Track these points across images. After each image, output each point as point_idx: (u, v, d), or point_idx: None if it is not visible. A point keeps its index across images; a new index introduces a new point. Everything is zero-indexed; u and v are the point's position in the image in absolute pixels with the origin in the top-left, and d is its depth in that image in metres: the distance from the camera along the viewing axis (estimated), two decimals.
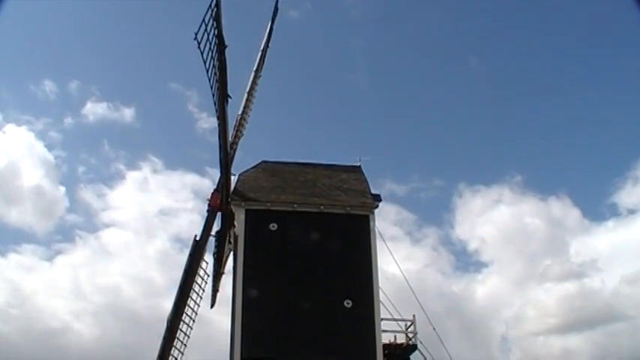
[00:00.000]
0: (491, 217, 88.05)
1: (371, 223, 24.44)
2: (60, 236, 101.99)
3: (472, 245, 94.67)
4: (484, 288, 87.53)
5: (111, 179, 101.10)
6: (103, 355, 72.24)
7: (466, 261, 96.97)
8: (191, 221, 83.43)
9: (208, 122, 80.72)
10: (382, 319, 23.67)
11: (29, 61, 78.02)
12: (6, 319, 69.47)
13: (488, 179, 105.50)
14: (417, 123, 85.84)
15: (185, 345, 24.54)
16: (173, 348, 24.09)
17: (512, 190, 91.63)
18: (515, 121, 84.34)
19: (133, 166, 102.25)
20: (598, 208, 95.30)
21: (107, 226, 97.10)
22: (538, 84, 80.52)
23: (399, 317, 24.85)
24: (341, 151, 79.47)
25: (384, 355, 23.18)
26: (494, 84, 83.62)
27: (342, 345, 22.50)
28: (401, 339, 24.93)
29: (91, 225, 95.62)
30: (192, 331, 24.74)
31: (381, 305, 23.61)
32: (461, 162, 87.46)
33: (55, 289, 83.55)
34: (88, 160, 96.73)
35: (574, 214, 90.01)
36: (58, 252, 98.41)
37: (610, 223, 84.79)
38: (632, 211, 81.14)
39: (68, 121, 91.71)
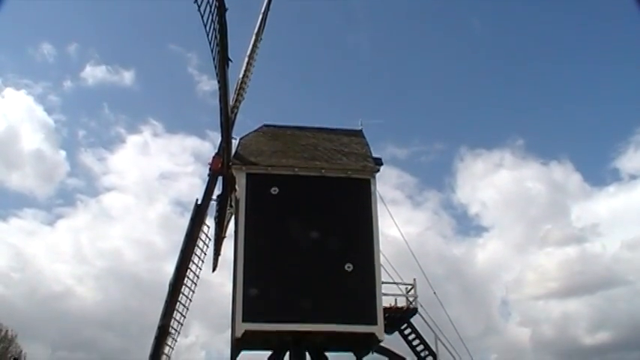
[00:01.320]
0: (492, 181, 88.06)
1: (372, 187, 24.44)
2: (61, 200, 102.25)
3: (473, 209, 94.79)
4: (485, 252, 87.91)
5: (111, 143, 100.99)
6: (105, 319, 73.05)
7: (467, 225, 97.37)
8: (192, 185, 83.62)
9: (209, 85, 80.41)
10: (383, 283, 23.78)
11: (27, 24, 77.28)
12: (9, 284, 70.08)
13: (489, 143, 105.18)
14: (418, 86, 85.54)
15: (187, 308, 24.74)
16: (175, 311, 24.28)
17: (513, 154, 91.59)
18: (517, 85, 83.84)
19: (133, 129, 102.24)
20: (599, 173, 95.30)
21: (108, 190, 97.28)
22: (541, 47, 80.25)
23: (400, 281, 24.95)
24: (342, 115, 79.31)
25: (385, 319, 23.36)
26: (496, 47, 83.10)
27: (343, 308, 22.64)
28: (401, 302, 25.04)
29: (92, 189, 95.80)
30: (194, 295, 24.92)
31: (381, 269, 23.73)
32: (462, 125, 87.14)
33: (57, 253, 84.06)
34: (88, 124, 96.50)
35: (575, 179, 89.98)
36: (59, 216, 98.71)
37: (611, 189, 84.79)
38: (633, 177, 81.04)
39: (67, 84, 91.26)
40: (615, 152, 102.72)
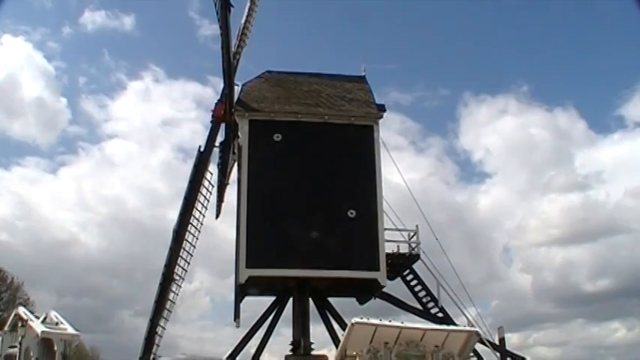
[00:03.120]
0: (496, 127, 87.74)
1: (375, 134, 24.32)
2: (63, 148, 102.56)
3: (476, 156, 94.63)
4: (487, 198, 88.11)
5: (112, 90, 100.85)
6: (110, 266, 73.79)
7: (470, 171, 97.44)
8: (194, 131, 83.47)
9: (210, 29, 79.53)
10: (385, 229, 23.88)
11: None
12: (14, 232, 70.60)
13: (493, 89, 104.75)
14: (422, 31, 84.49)
15: (191, 255, 24.88)
16: (179, 258, 24.43)
17: (518, 101, 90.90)
18: (522, 30, 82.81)
19: (134, 75, 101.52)
20: (604, 120, 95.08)
21: (110, 137, 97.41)
22: None
23: (402, 227, 25.03)
24: (345, 61, 78.51)
25: (387, 265, 23.50)
26: None
27: (346, 254, 22.78)
28: (404, 249, 25.19)
29: (94, 136, 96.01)
30: (197, 241, 25.03)
31: (384, 215, 23.78)
32: (466, 71, 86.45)
33: (61, 201, 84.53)
34: (89, 71, 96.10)
35: (580, 126, 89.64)
36: (62, 164, 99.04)
37: (616, 136, 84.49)
38: (638, 124, 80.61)
39: (66, 30, 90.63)
40: (621, 99, 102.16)
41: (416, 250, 25.00)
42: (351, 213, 23.11)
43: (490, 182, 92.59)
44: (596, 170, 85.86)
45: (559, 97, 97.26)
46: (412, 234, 25.21)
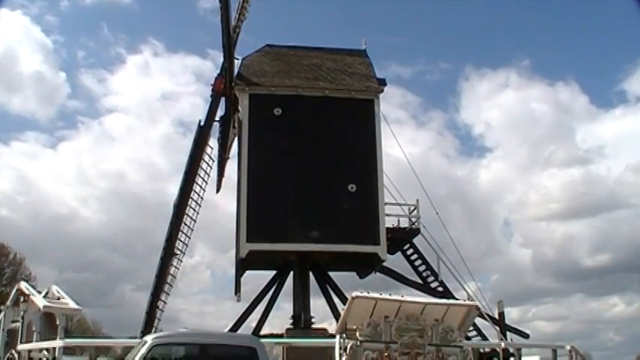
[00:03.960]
0: (497, 101, 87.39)
1: (375, 108, 24.24)
2: (62, 123, 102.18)
3: (477, 130, 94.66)
4: (488, 173, 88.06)
5: (111, 64, 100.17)
6: (110, 240, 73.99)
7: (471, 145, 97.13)
8: (194, 105, 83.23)
9: (210, 2, 78.39)
10: (386, 204, 23.91)
11: None
12: (14, 207, 70.67)
13: (495, 62, 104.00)
14: (423, 3, 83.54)
15: (192, 229, 25.01)
16: (180, 232, 24.49)
17: (519, 75, 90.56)
18: (524, 2, 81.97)
19: (133, 49, 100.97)
20: (606, 95, 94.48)
21: (109, 111, 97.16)
22: None
23: (403, 201, 25.05)
24: (345, 34, 77.94)
25: (388, 239, 23.54)
26: None
27: (346, 229, 22.79)
28: (404, 223, 25.24)
29: (94, 111, 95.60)
30: (198, 216, 25.14)
31: (384, 189, 23.77)
32: (468, 44, 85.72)
33: (60, 175, 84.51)
34: (87, 45, 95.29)
35: (582, 100, 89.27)
36: (61, 139, 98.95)
37: (618, 111, 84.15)
38: None
39: (64, 3, 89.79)
40: (623, 74, 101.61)
41: (416, 224, 25.05)
42: (352, 187, 23.10)
43: (491, 156, 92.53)
44: (598, 145, 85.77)
45: (561, 71, 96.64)
46: (412, 208, 25.23)
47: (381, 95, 24.66)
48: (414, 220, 25.14)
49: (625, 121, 79.79)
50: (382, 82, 24.90)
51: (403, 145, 25.84)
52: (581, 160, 79.60)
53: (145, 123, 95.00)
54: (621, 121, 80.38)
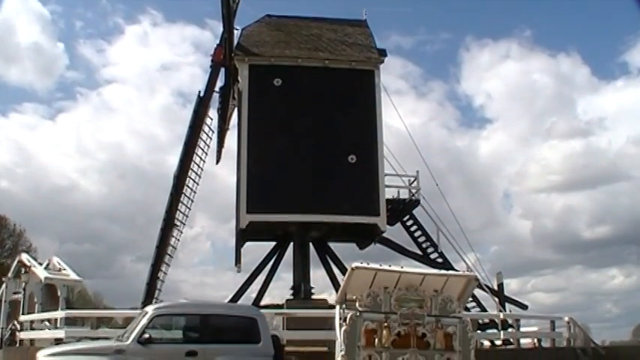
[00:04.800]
0: (498, 72, 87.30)
1: (376, 79, 24.08)
2: (61, 94, 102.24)
3: (478, 101, 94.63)
4: (488, 144, 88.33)
5: (110, 34, 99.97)
6: (110, 211, 74.27)
7: (471, 117, 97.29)
8: (193, 75, 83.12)
9: None
10: (386, 175, 23.88)
11: None
12: (14, 178, 70.99)
13: (496, 33, 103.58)
14: None
15: (192, 200, 25.07)
16: (180, 203, 24.53)
17: (520, 45, 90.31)
18: None
19: (131, 19, 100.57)
20: (608, 66, 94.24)
21: (108, 82, 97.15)
22: None
23: (403, 173, 25.01)
24: (346, 4, 77.35)
25: (387, 210, 23.59)
26: None
27: (346, 200, 22.76)
28: (404, 194, 25.23)
29: (92, 81, 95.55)
30: (198, 187, 25.18)
31: (384, 160, 23.74)
32: (469, 14, 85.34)
33: (60, 147, 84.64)
34: (85, 15, 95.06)
35: (583, 72, 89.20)
36: (60, 110, 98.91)
37: (619, 82, 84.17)
38: None
39: None
40: (625, 45, 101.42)
41: (416, 195, 25.02)
42: (352, 158, 23.05)
43: (491, 128, 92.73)
44: (599, 117, 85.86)
45: (562, 42, 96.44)
46: (412, 179, 25.20)
47: (382, 66, 24.46)
48: (413, 191, 25.11)
49: (626, 92, 79.88)
50: (383, 53, 24.70)
51: (403, 116, 25.77)
52: (582, 132, 79.77)
53: (144, 94, 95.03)
54: (623, 92, 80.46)
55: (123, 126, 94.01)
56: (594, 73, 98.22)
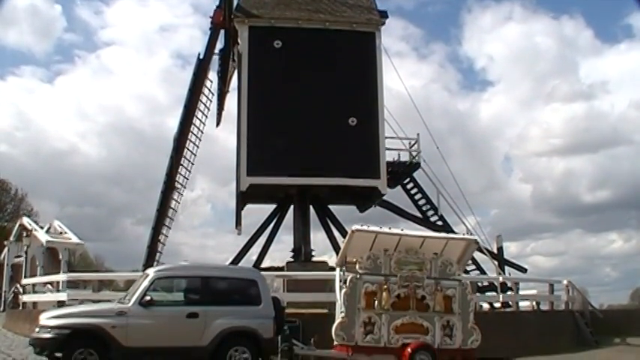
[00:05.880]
0: (500, 34, 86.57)
1: (377, 41, 23.84)
2: (59, 57, 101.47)
3: (479, 63, 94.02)
4: (489, 107, 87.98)
5: None
6: (111, 174, 74.29)
7: (472, 79, 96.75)
8: (192, 37, 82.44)
9: None
10: (386, 138, 23.80)
11: None
12: (14, 142, 70.82)
13: None
14: None
15: (192, 163, 25.02)
16: (180, 166, 24.50)
17: (523, 7, 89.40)
18: None
19: None
20: (611, 29, 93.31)
21: (107, 44, 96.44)
22: None
23: (403, 135, 24.96)
24: None
25: (388, 173, 23.55)
26: None
27: (346, 163, 22.73)
28: (404, 157, 25.25)
29: (91, 44, 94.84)
30: (198, 150, 25.11)
31: (385, 123, 23.64)
32: None
33: (59, 110, 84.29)
34: None
35: (586, 35, 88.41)
36: (58, 73, 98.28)
37: (623, 46, 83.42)
38: None
39: None
40: (629, 8, 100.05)
41: (416, 158, 25.03)
42: (352, 121, 22.94)
43: (492, 90, 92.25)
44: (601, 80, 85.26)
45: (566, 4, 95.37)
46: (413, 142, 25.17)
47: (383, 28, 24.19)
48: (414, 154, 25.12)
49: (629, 56, 79.22)
50: (384, 15, 24.41)
51: (404, 78, 25.67)
52: (585, 96, 79.35)
53: (142, 56, 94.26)
54: (626, 56, 79.79)
55: (122, 88, 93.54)
56: (597, 36, 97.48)
